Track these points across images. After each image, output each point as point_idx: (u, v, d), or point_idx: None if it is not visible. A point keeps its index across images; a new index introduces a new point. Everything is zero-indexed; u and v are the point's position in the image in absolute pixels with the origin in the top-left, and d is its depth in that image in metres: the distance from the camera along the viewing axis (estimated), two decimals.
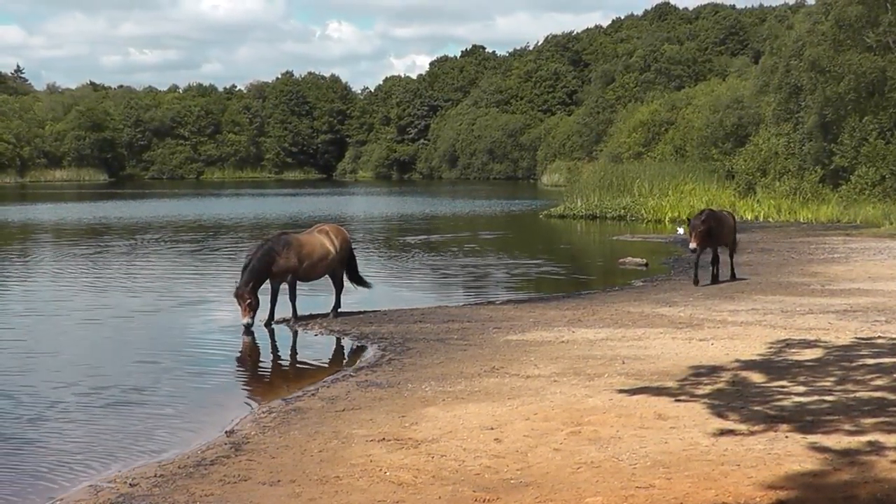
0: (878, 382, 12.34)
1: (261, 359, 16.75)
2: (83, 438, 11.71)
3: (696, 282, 23.41)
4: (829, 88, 46.19)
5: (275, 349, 17.74)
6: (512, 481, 9.07)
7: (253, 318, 18.49)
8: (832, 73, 46.21)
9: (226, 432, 11.58)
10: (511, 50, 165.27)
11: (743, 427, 10.40)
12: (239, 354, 17.00)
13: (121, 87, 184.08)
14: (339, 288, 20.80)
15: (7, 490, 10.02)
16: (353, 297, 21.87)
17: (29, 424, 12.36)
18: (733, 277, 24.53)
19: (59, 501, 9.53)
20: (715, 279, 24.03)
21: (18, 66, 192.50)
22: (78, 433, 11.94)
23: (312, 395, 13.35)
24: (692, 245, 22.92)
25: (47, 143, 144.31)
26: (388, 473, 9.45)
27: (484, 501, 8.58)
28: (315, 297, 22.33)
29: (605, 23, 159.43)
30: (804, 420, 10.59)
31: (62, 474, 10.40)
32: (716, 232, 23.35)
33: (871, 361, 13.76)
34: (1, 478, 10.37)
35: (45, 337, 18.64)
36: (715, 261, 24.28)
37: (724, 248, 24.72)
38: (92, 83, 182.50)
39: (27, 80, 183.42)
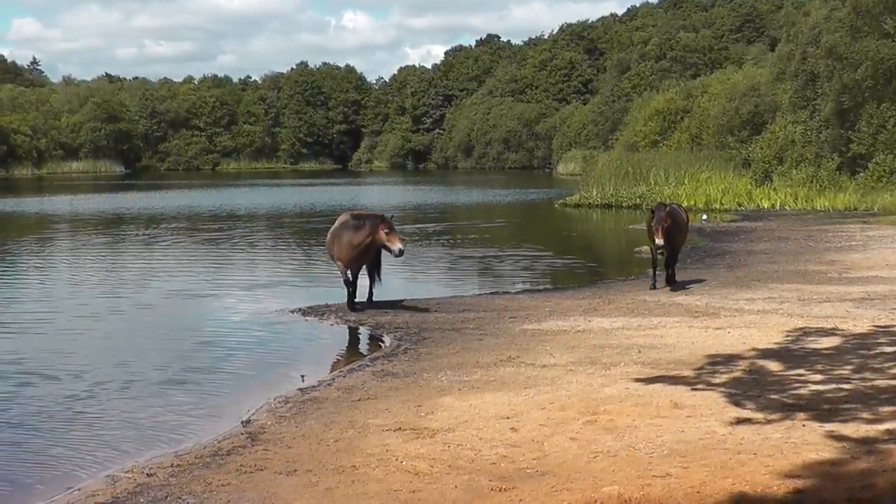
0: None
1: (277, 348, 16.75)
2: (98, 429, 11.75)
3: (654, 286, 21.35)
4: (846, 75, 45.89)
5: (291, 339, 17.74)
6: (528, 470, 9.06)
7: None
8: (849, 60, 45.89)
9: (242, 422, 11.62)
10: (526, 39, 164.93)
11: (760, 416, 10.37)
12: (254, 344, 17.00)
13: (136, 78, 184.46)
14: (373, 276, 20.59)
15: (25, 479, 10.08)
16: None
17: (45, 413, 12.41)
18: (672, 280, 21.91)
19: (76, 491, 9.57)
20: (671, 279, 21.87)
21: (34, 59, 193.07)
22: (93, 423, 11.98)
23: (329, 384, 13.38)
24: (660, 241, 20.41)
25: (63, 135, 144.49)
26: (404, 463, 9.46)
27: (500, 490, 8.58)
28: (332, 288, 22.31)
29: (621, 11, 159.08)
30: (822, 409, 10.55)
31: (78, 464, 10.45)
32: (673, 230, 21.10)
33: (888, 349, 13.70)
34: (20, 466, 10.43)
35: (59, 327, 18.70)
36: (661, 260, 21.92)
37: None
38: (108, 75, 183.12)
39: (43, 73, 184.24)
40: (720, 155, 58.50)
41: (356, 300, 19.87)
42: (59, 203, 64.12)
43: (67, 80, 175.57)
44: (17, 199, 70.38)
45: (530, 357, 14.22)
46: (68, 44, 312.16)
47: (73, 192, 79.31)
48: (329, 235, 20.15)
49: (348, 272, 19.64)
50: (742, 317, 17.17)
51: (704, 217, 41.52)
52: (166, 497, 8.98)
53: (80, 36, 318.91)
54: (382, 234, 18.94)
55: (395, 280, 22.75)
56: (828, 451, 9.09)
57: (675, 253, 21.95)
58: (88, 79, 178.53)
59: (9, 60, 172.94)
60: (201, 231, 41.78)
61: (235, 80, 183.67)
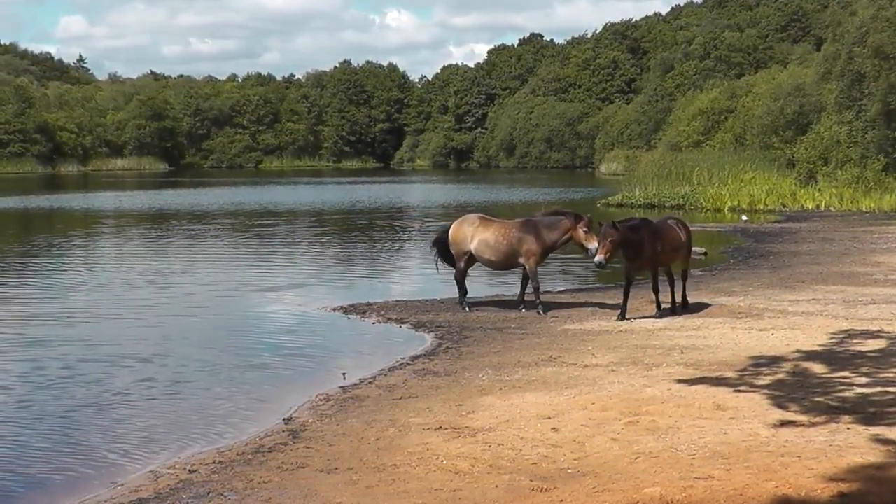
0: None
1: (318, 346, 16.80)
2: (141, 424, 11.84)
3: (622, 316, 17.69)
4: (893, 75, 45.44)
5: (332, 337, 17.78)
6: (569, 471, 9.04)
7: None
8: None
9: (283, 420, 11.67)
10: (569, 38, 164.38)
11: (804, 418, 10.29)
12: (296, 342, 17.06)
13: (181, 76, 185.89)
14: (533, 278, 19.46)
15: (70, 472, 10.18)
16: (410, 286, 21.88)
17: (91, 406, 12.54)
18: (683, 306, 18.72)
19: (119, 486, 9.65)
20: (675, 307, 18.57)
21: (81, 56, 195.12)
22: (137, 421, 12.07)
23: (370, 383, 13.40)
24: (600, 257, 17.14)
25: (109, 133, 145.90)
26: (444, 462, 9.46)
27: (541, 491, 8.56)
28: (373, 287, 22.33)
29: (665, 10, 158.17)
30: (867, 412, 10.45)
31: (122, 459, 10.54)
32: (637, 247, 17.57)
33: None
34: (66, 458, 10.55)
35: (102, 327, 18.86)
36: (671, 283, 18.82)
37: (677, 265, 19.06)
38: (153, 73, 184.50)
39: (89, 70, 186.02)
40: (764, 155, 58.11)
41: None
42: (106, 199, 64.70)
43: (113, 78, 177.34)
44: (67, 195, 71.03)
45: (572, 357, 14.19)
46: (114, 41, 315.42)
47: (119, 189, 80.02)
48: (509, 238, 19.28)
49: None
50: (786, 318, 17.04)
51: (745, 217, 41.27)
52: (208, 493, 9.03)
53: (127, 33, 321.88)
54: (581, 231, 18.80)
55: (436, 278, 22.71)
56: (873, 455, 9.00)
57: (682, 273, 19.03)
58: (134, 76, 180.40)
59: (56, 58, 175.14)
60: (245, 228, 42.01)
61: (279, 78, 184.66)
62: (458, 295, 19.86)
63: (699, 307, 18.74)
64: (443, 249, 20.44)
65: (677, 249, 18.61)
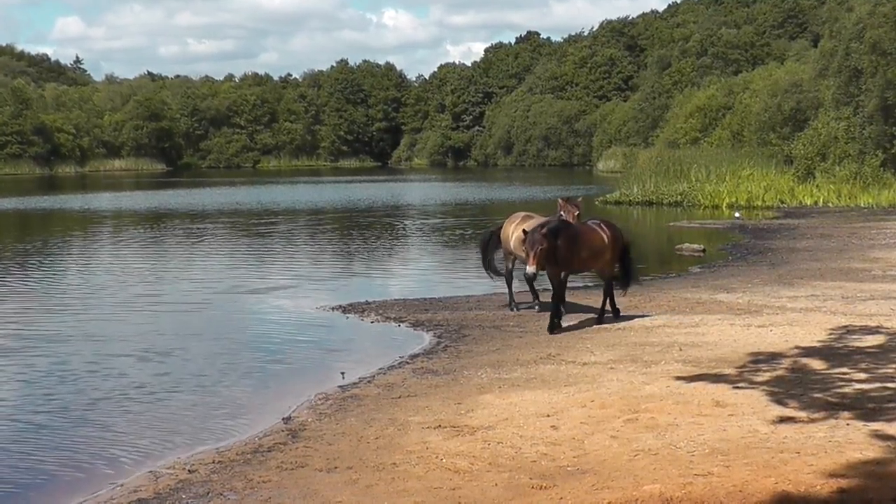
0: None
1: (317, 346, 16.79)
2: (141, 425, 11.83)
3: (552, 327, 16.39)
4: (890, 71, 45.44)
5: (331, 336, 17.76)
6: (569, 468, 9.03)
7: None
8: (894, 56, 45.45)
9: (283, 419, 11.67)
10: (566, 36, 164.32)
11: (803, 414, 10.28)
12: (295, 341, 17.05)
13: (178, 77, 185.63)
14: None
15: (68, 473, 10.17)
16: (408, 285, 21.83)
17: (91, 406, 12.54)
18: (615, 315, 17.38)
19: (119, 486, 9.65)
20: (600, 316, 17.28)
21: (78, 58, 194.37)
22: (137, 421, 12.06)
23: (369, 382, 13.40)
24: (531, 269, 15.85)
25: (106, 134, 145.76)
26: (444, 460, 9.45)
27: (540, 488, 8.55)
28: (372, 286, 22.30)
29: (662, 7, 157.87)
30: (866, 407, 10.44)
31: (122, 459, 10.53)
32: (563, 254, 16.21)
33: None
34: (66, 458, 10.54)
35: (103, 325, 18.85)
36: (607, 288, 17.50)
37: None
38: (149, 73, 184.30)
39: (86, 71, 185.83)
40: (762, 152, 58.09)
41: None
42: (105, 200, 64.65)
43: (110, 79, 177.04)
44: (65, 196, 70.95)
45: (571, 355, 14.18)
46: (111, 42, 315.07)
47: (117, 190, 79.96)
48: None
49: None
50: (784, 314, 17.04)
51: (738, 214, 41.28)
52: (208, 493, 9.03)
53: (123, 35, 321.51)
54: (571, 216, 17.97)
55: (435, 277, 22.73)
56: (872, 451, 9.00)
57: (607, 279, 17.53)
58: (131, 77, 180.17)
59: (52, 59, 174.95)
60: (243, 228, 42.00)
61: (276, 78, 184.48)
62: (508, 296, 19.51)
63: (699, 304, 18.71)
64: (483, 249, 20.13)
65: (599, 252, 16.97)
